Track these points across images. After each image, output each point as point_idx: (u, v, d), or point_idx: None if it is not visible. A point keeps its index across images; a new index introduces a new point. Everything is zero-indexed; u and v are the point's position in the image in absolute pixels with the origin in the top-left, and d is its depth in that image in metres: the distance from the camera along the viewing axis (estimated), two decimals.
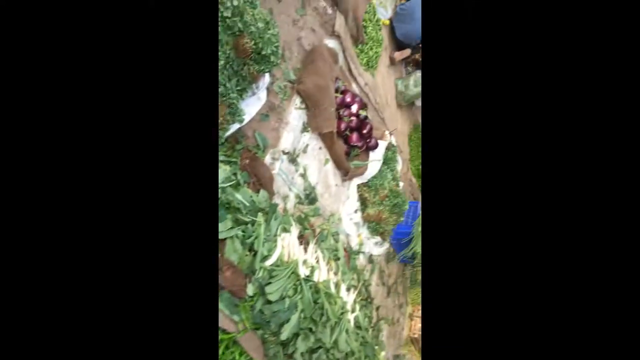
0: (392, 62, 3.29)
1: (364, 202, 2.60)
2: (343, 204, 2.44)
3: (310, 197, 2.11)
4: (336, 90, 2.20)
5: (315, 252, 1.99)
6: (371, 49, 2.77)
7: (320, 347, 1.71)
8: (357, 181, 2.53)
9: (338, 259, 2.21)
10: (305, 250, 1.92)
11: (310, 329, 1.66)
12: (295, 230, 1.87)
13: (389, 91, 3.28)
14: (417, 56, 3.43)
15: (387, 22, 3.17)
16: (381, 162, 2.63)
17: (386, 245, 2.92)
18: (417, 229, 2.94)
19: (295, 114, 2.00)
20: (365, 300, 2.54)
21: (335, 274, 2.12)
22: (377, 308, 2.79)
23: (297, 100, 2.01)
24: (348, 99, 2.26)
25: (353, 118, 2.28)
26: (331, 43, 2.32)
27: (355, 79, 2.61)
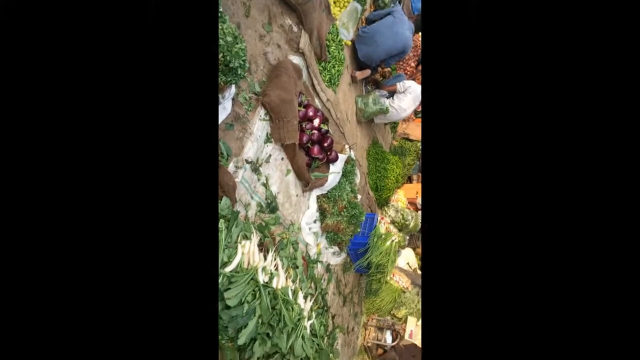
0: (354, 80, 3.46)
1: (323, 213, 2.69)
2: (303, 214, 2.52)
3: (271, 206, 2.17)
4: (299, 104, 2.30)
5: (275, 259, 2.03)
6: (333, 67, 2.92)
7: (276, 353, 1.74)
8: (317, 192, 2.62)
9: (297, 267, 2.26)
10: (265, 257, 1.96)
11: (268, 334, 1.70)
12: (255, 237, 1.91)
13: (350, 108, 3.44)
14: (377, 76, 3.64)
15: (349, 42, 3.35)
16: (340, 174, 2.74)
17: (343, 255, 3.02)
18: (373, 239, 3.08)
19: (259, 125, 2.06)
20: (322, 308, 2.61)
21: (294, 281, 2.17)
22: (333, 316, 2.86)
23: (261, 111, 2.08)
24: (310, 113, 2.37)
25: (315, 131, 2.39)
26: (296, 59, 2.43)
27: (317, 95, 2.73)
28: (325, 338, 2.57)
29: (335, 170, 2.66)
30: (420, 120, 5.82)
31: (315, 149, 2.40)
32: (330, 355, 2.51)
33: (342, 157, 2.71)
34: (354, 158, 3.16)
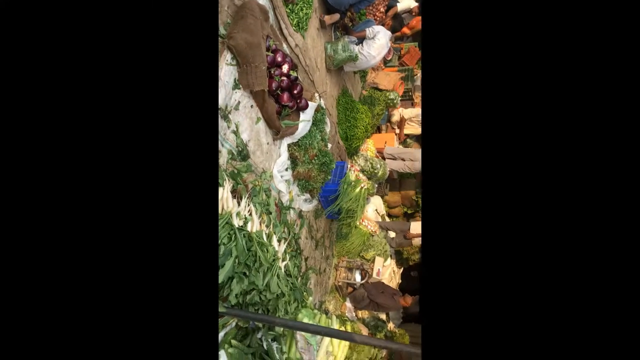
0: (322, 25, 3.36)
1: (294, 161, 2.74)
2: (274, 162, 2.55)
3: (242, 154, 2.18)
4: (267, 49, 2.23)
5: (248, 205, 2.09)
6: (301, 9, 2.81)
7: (253, 289, 1.86)
8: (287, 140, 2.64)
9: (270, 213, 2.34)
10: (239, 203, 2.01)
11: (244, 273, 1.80)
12: (228, 184, 1.95)
13: (319, 54, 3.37)
14: (346, 21, 3.54)
15: None
16: (310, 123, 2.76)
17: (315, 202, 3.13)
18: (343, 186, 3.19)
19: (227, 70, 2.00)
20: (295, 251, 2.75)
21: (267, 226, 2.26)
22: (306, 259, 3.03)
23: (227, 56, 2.01)
24: (279, 59, 2.31)
25: (284, 78, 2.35)
26: (262, 0, 2.31)
27: (285, 39, 2.65)
28: (299, 278, 2.74)
29: (305, 119, 2.67)
30: (389, 69, 5.79)
31: (285, 96, 2.38)
32: (304, 293, 2.69)
33: (312, 105, 2.71)
34: (324, 107, 3.16)
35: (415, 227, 4.41)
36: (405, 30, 6.38)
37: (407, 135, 5.73)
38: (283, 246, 2.40)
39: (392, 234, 4.40)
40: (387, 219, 5.41)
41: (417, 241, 4.38)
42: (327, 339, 2.56)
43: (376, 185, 4.66)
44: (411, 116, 5.59)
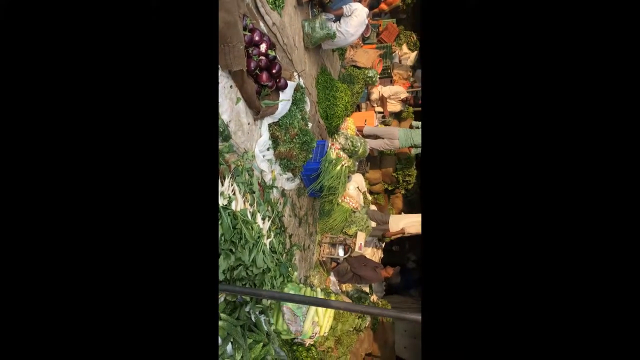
0: (299, 2, 3.32)
1: (275, 140, 2.77)
2: (256, 142, 2.58)
3: (224, 135, 2.20)
4: (244, 28, 2.22)
5: (232, 185, 2.13)
6: None
7: (240, 265, 1.94)
8: (268, 120, 2.66)
9: (253, 192, 2.39)
10: (222, 183, 2.05)
11: (231, 250, 1.86)
12: None
13: (297, 33, 3.35)
14: None
15: None
16: (290, 102, 2.78)
17: (297, 180, 3.19)
18: (324, 164, 3.26)
19: None
20: (279, 229, 2.82)
21: (251, 205, 2.32)
22: (290, 236, 3.11)
23: None
24: (257, 38, 2.31)
25: (262, 57, 2.35)
26: None
27: (262, 18, 2.63)
28: (284, 254, 2.83)
29: (285, 98, 2.69)
30: (368, 46, 5.79)
31: (264, 75, 2.39)
32: (289, 268, 2.79)
33: (291, 85, 2.72)
34: (303, 86, 3.17)
35: (394, 222, 4.53)
36: (383, 6, 6.35)
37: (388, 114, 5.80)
38: (267, 224, 2.47)
39: (372, 224, 4.51)
40: (369, 196, 5.54)
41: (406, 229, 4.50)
42: (312, 311, 2.68)
43: (357, 163, 4.75)
44: (390, 94, 5.65)
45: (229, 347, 1.92)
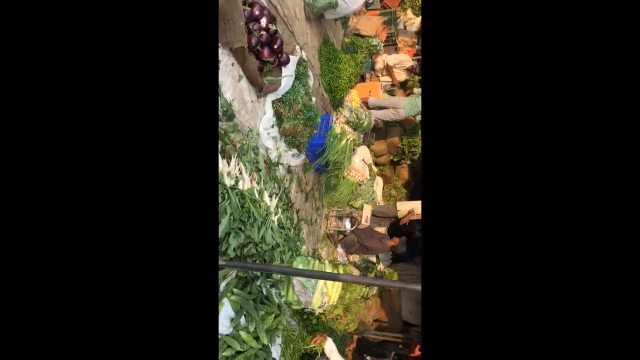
0: None
1: (279, 117, 2.76)
2: (260, 120, 2.58)
3: (227, 114, 2.20)
4: (243, 3, 2.16)
5: (238, 164, 2.16)
6: None
7: (249, 243, 2.00)
8: (271, 97, 2.64)
9: (259, 170, 2.42)
10: (228, 163, 2.08)
11: (240, 229, 1.92)
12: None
13: (297, 3, 3.24)
14: None
15: None
16: (293, 77, 2.74)
17: (302, 156, 3.21)
18: (329, 139, 3.25)
19: None
20: (286, 205, 2.87)
21: (258, 183, 2.35)
22: (297, 211, 3.17)
23: None
24: (257, 12, 2.25)
25: (263, 32, 2.30)
26: None
27: None
28: (292, 229, 2.89)
29: (288, 74, 2.65)
30: (371, 13, 5.59)
31: (266, 51, 2.34)
32: (297, 242, 2.86)
33: (293, 59, 2.68)
34: (306, 59, 3.11)
35: (402, 206, 4.57)
36: None
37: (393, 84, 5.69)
38: (274, 201, 2.51)
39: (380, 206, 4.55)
40: (375, 168, 5.55)
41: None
42: (321, 282, 2.78)
43: (362, 136, 4.73)
44: (395, 63, 5.52)
45: (243, 319, 2.02)
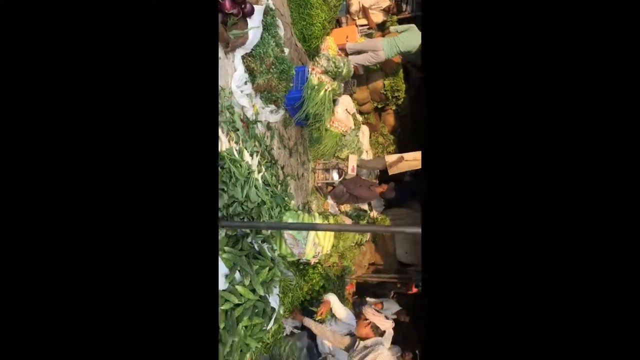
0: None
1: (252, 73, 2.67)
2: (231, 77, 2.49)
3: None
4: None
5: None
6: None
7: (234, 202, 2.03)
8: (240, 52, 2.53)
9: (237, 129, 2.39)
10: None
11: (223, 189, 1.93)
12: None
13: None
14: None
15: None
16: (261, 28, 2.62)
17: (281, 112, 3.15)
18: (307, 91, 3.18)
19: None
20: (270, 162, 2.87)
21: (237, 142, 2.33)
22: (282, 167, 3.18)
23: None
24: None
25: None
26: None
27: None
28: (279, 186, 2.92)
29: (254, 25, 2.52)
30: None
31: (227, 3, 2.21)
32: (285, 198, 2.91)
33: (259, 9, 2.54)
34: (273, 7, 2.95)
35: (391, 158, 4.51)
36: None
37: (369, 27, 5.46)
38: (256, 159, 2.51)
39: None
40: (359, 117, 5.49)
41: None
42: (312, 233, 2.87)
43: (342, 85, 4.62)
44: (371, 4, 5.25)
45: (237, 275, 2.10)
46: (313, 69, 3.40)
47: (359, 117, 5.49)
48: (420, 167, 4.64)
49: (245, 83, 2.64)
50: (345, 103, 4.75)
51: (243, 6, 2.37)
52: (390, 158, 4.50)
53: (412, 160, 4.45)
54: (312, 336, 2.95)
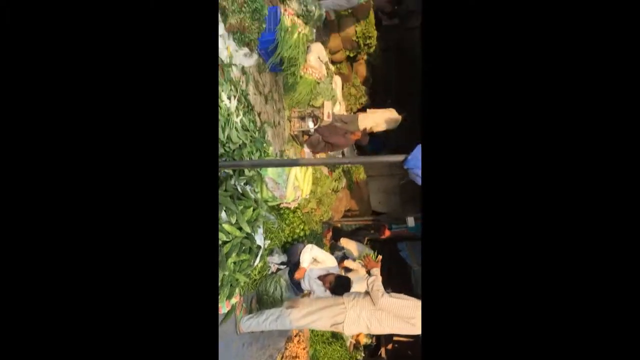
0: None
1: (223, 12, 2.56)
2: None
3: None
4: None
5: None
6: None
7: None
8: None
9: None
10: None
11: None
12: None
13: None
14: None
15: None
16: None
17: (255, 56, 3.07)
18: (280, 34, 3.09)
19: None
20: (247, 107, 2.85)
21: None
22: (259, 114, 3.16)
23: None
24: None
25: None
26: None
27: None
28: (257, 132, 2.92)
29: None
30: None
31: None
32: (264, 144, 2.93)
33: None
34: None
35: (363, 119, 4.49)
36: None
37: None
38: (234, 102, 2.49)
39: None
40: (331, 66, 5.42)
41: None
42: (292, 176, 2.94)
43: (314, 31, 4.50)
44: None
45: (224, 214, 2.16)
46: (285, 10, 3.28)
47: (332, 67, 5.42)
48: (392, 127, 4.76)
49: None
50: (318, 50, 4.66)
51: None
52: (364, 120, 4.56)
53: (386, 119, 4.54)
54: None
